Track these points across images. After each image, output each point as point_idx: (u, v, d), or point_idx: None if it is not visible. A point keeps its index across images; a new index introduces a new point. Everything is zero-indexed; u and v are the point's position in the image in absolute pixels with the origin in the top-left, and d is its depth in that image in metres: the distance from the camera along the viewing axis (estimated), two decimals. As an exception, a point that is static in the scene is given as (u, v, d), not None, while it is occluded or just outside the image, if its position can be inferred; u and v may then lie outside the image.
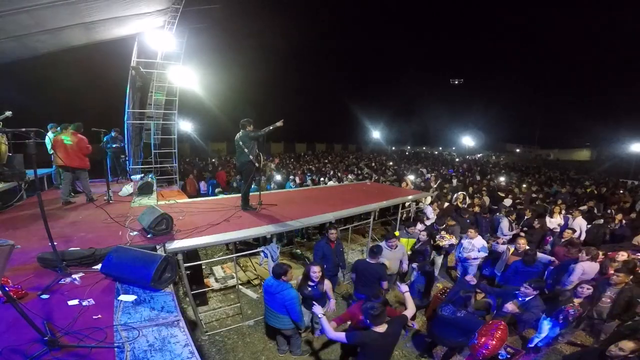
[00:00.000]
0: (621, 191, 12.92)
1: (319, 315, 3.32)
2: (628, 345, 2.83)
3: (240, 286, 5.75)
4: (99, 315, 2.36)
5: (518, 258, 5.29)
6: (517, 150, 45.32)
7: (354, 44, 49.37)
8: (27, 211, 5.12)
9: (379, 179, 14.08)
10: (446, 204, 8.96)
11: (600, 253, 5.48)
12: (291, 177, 12.55)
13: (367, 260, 4.61)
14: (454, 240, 6.08)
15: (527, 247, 5.49)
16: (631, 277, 4.41)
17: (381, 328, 2.93)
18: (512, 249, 5.64)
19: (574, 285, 4.73)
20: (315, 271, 4.05)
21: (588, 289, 4.17)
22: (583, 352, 3.81)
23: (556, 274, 5.30)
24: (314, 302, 3.63)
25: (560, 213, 7.86)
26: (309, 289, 4.10)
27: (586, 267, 4.92)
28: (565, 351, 4.57)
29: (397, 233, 6.05)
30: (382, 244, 5.22)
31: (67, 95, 9.66)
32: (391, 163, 23.46)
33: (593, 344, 4.59)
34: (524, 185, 13.90)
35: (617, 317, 4.26)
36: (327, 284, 4.18)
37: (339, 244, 5.46)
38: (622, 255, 5.13)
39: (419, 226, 6.61)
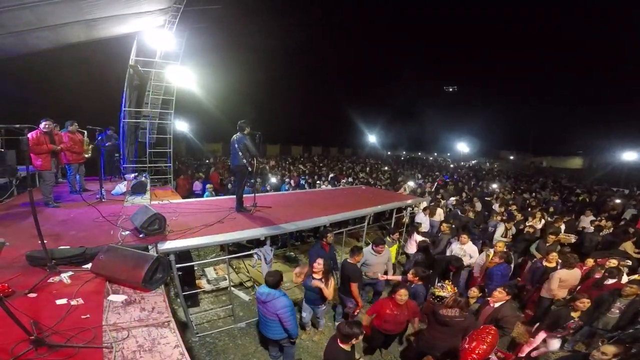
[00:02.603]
0: (618, 200, 13.02)
1: None
2: (610, 349, 2.84)
3: (232, 288, 5.72)
4: (88, 315, 2.33)
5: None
6: (511, 157, 45.67)
7: (352, 49, 49.53)
8: (17, 208, 5.05)
9: (375, 183, 14.13)
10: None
11: (591, 260, 5.58)
12: (286, 179, 12.55)
13: (348, 260, 4.73)
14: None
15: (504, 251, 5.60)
16: None
17: (347, 347, 2.98)
18: (491, 254, 5.68)
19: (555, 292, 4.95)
20: (318, 264, 4.16)
21: (582, 302, 4.11)
22: (568, 357, 3.82)
23: (537, 279, 5.42)
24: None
25: (541, 219, 8.15)
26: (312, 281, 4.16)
27: (563, 275, 4.99)
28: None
29: (393, 248, 6.01)
30: (367, 248, 5.31)
31: (66, 92, 9.57)
32: (386, 168, 23.56)
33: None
34: (512, 193, 14.11)
35: (622, 328, 4.18)
36: (330, 283, 4.22)
37: (332, 247, 5.48)
38: (613, 263, 5.19)
39: (416, 236, 6.62)
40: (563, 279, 4.97)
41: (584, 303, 4.08)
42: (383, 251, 5.24)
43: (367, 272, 5.26)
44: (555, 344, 4.24)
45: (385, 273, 5.35)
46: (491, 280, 5.17)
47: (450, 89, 44.96)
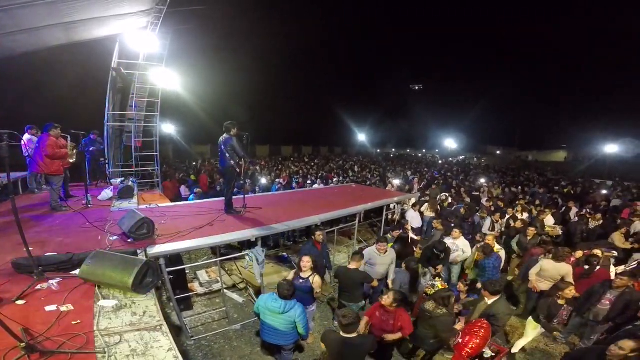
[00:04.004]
0: (604, 191, 13.46)
1: None
2: (628, 344, 2.86)
3: (225, 290, 5.69)
4: (79, 321, 2.30)
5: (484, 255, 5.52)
6: (498, 152, 46.51)
7: (340, 47, 49.65)
8: (1, 216, 4.92)
9: (365, 181, 14.23)
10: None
11: (580, 252, 5.72)
12: (277, 180, 12.52)
13: (348, 267, 4.63)
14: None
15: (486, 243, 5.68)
16: (633, 281, 4.42)
17: (350, 335, 3.00)
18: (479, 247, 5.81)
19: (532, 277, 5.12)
20: (305, 261, 4.14)
21: (571, 290, 4.27)
22: (584, 352, 3.86)
23: (525, 270, 5.52)
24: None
25: (522, 212, 8.36)
26: (300, 281, 4.13)
27: (544, 264, 5.08)
28: (554, 353, 4.71)
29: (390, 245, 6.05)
30: (372, 247, 5.26)
31: (48, 96, 9.36)
32: (373, 166, 23.73)
33: (579, 345, 4.69)
34: (500, 187, 14.39)
35: (612, 320, 4.31)
36: (317, 280, 4.20)
37: (325, 246, 5.49)
38: (596, 253, 5.34)
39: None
40: (544, 269, 5.05)
41: (570, 289, 4.22)
42: (387, 250, 5.17)
43: (369, 271, 5.12)
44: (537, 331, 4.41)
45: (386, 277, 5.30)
46: (483, 273, 5.27)
47: (416, 87, 46.17)
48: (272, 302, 3.54)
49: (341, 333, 3.00)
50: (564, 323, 4.51)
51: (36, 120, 5.46)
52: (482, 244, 5.64)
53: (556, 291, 4.40)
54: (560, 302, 4.24)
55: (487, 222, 7.46)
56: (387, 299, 3.67)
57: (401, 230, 6.56)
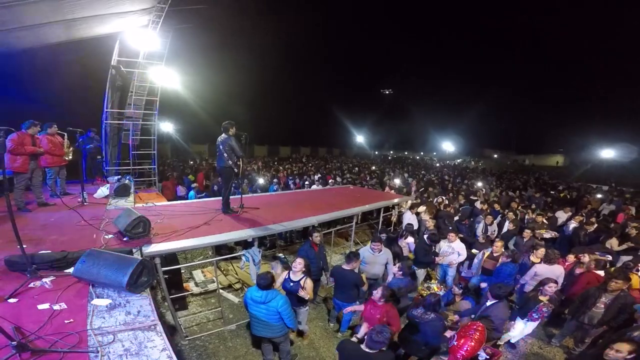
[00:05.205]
0: (599, 195, 13.57)
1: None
2: (624, 347, 2.87)
3: (221, 290, 5.67)
4: (71, 320, 2.28)
5: (492, 261, 5.53)
6: (495, 155, 46.64)
7: (339, 49, 49.80)
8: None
9: (362, 183, 14.24)
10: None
11: (572, 256, 5.76)
12: (275, 180, 12.50)
13: (343, 267, 4.65)
14: (441, 293, 5.80)
15: (503, 251, 5.65)
16: (628, 284, 4.44)
17: (373, 351, 2.93)
18: (487, 252, 5.79)
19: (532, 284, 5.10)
20: (297, 263, 4.14)
21: (550, 287, 4.36)
22: (579, 357, 3.87)
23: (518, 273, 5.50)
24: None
25: (517, 209, 8.56)
26: (291, 283, 4.12)
27: (539, 269, 5.13)
28: (548, 356, 4.73)
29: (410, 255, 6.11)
30: (367, 247, 5.33)
31: (46, 94, 9.30)
32: (374, 167, 23.75)
33: (573, 349, 4.72)
34: (498, 190, 14.44)
35: (606, 323, 4.33)
36: (308, 283, 4.18)
37: (322, 247, 5.49)
38: (585, 257, 5.38)
39: (409, 239, 6.51)
40: (539, 273, 5.09)
41: (552, 287, 4.33)
42: (381, 249, 5.27)
43: (364, 270, 5.27)
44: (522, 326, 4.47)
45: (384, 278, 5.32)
46: (497, 278, 5.18)
47: (387, 92, 46.17)
48: (255, 292, 3.64)
49: (363, 347, 2.92)
50: (543, 318, 4.57)
51: (35, 117, 5.40)
52: (509, 252, 5.58)
53: (538, 286, 4.55)
54: (541, 298, 4.32)
55: (481, 225, 7.48)
56: (375, 294, 3.78)
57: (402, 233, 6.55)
